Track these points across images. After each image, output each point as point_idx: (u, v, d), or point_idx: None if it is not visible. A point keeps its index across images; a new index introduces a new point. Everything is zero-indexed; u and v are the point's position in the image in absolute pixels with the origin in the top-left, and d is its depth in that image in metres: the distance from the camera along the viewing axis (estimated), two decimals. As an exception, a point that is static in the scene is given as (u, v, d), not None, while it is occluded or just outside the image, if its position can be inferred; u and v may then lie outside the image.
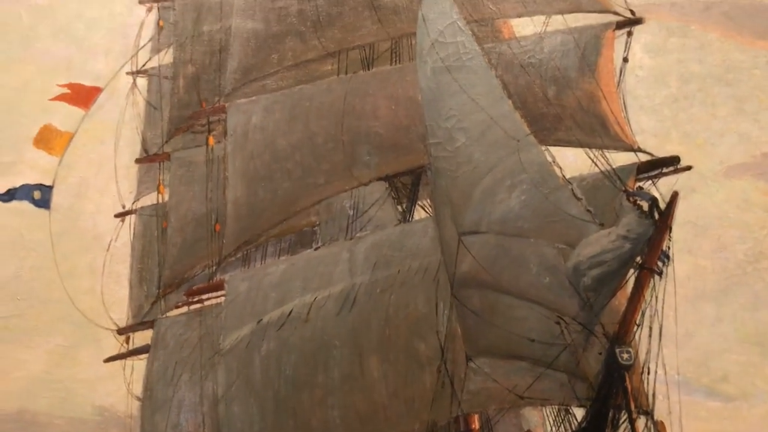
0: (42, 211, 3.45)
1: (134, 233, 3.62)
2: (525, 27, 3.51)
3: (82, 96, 3.54)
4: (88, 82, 3.56)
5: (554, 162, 2.94)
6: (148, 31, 3.67)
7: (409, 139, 3.37)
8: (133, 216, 3.62)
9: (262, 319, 3.28)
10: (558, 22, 3.45)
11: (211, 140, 3.53)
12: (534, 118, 3.16)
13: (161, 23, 3.71)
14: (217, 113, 3.50)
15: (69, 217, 3.45)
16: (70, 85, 3.55)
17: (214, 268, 3.49)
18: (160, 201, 3.68)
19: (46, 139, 3.50)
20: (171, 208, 3.66)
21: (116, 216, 3.54)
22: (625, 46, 3.34)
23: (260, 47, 3.51)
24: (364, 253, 3.26)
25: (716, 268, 2.99)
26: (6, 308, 3.42)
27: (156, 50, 3.73)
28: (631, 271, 2.66)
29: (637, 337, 2.66)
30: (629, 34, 3.38)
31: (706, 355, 3.01)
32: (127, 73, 3.62)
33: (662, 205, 2.67)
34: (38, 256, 3.42)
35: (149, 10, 3.67)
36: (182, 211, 3.65)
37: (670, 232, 2.65)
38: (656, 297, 2.65)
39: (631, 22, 3.39)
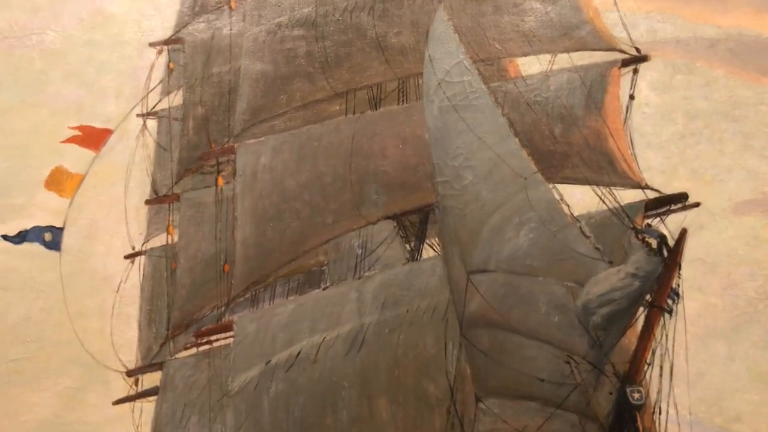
0: (52, 252, 3.53)
1: (144, 274, 3.69)
2: (531, 65, 3.59)
3: (92, 138, 3.64)
4: (98, 125, 3.66)
5: (562, 200, 2.99)
6: (159, 73, 3.78)
7: (417, 178, 3.44)
8: (143, 257, 3.69)
9: (270, 360, 3.33)
10: (564, 60, 3.54)
11: (221, 181, 3.63)
12: (541, 156, 3.23)
13: (171, 65, 3.82)
14: (227, 154, 3.59)
15: (79, 258, 3.53)
16: (81, 128, 3.66)
17: (223, 308, 3.56)
18: (170, 242, 3.75)
19: (57, 181, 3.59)
20: (180, 248, 3.73)
21: (126, 257, 3.60)
22: (631, 84, 3.42)
23: (269, 88, 3.62)
24: (373, 293, 3.31)
25: (727, 305, 3.02)
26: (16, 351, 3.49)
27: (166, 92, 3.84)
28: (641, 309, 2.70)
29: (648, 376, 2.68)
30: (635, 71, 3.46)
31: (718, 394, 3.02)
32: (138, 115, 3.71)
33: (671, 243, 2.71)
34: (48, 297, 3.49)
35: (159, 52, 3.77)
36: (191, 251, 3.73)
37: (680, 269, 2.69)
38: (666, 335, 2.69)
39: (637, 59, 3.48)
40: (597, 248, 2.85)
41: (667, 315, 2.68)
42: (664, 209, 3.02)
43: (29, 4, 3.70)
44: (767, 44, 3.44)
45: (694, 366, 2.87)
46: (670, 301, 2.67)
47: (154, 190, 3.71)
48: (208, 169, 3.71)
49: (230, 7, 3.79)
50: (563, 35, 3.55)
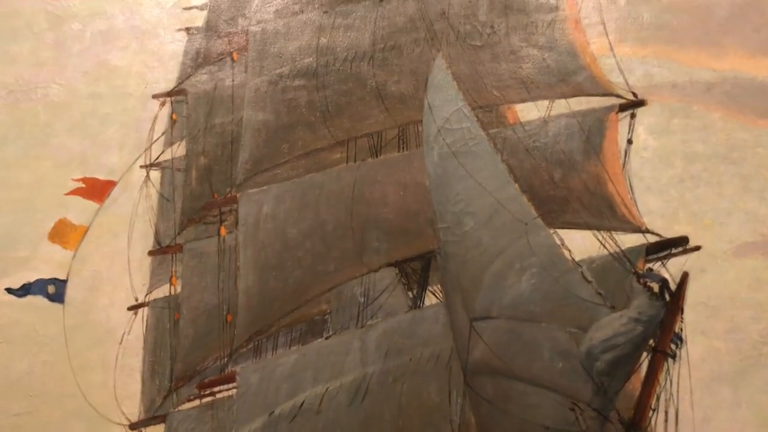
0: (56, 305, 3.58)
1: (147, 326, 3.72)
2: (529, 111, 3.68)
3: (96, 190, 3.72)
4: (102, 176, 3.74)
5: (563, 244, 3.05)
6: (162, 124, 3.86)
7: (418, 225, 3.51)
8: (146, 308, 3.73)
9: (273, 412, 3.35)
10: (561, 106, 3.62)
11: (223, 230, 3.70)
12: (541, 201, 3.30)
13: (174, 116, 3.92)
14: (229, 203, 3.68)
15: (82, 310, 3.58)
16: (84, 180, 3.74)
17: (226, 359, 3.59)
18: (173, 293, 3.80)
19: (60, 233, 3.67)
20: (183, 299, 3.78)
21: (129, 309, 3.65)
22: (629, 128, 3.50)
23: (271, 138, 3.72)
24: (376, 342, 3.35)
25: (731, 349, 3.04)
26: (19, 405, 3.51)
27: (169, 143, 3.93)
28: (645, 354, 2.73)
29: (653, 422, 2.70)
30: (632, 116, 3.54)
31: (725, 440, 3.03)
32: (141, 167, 3.79)
33: (673, 287, 2.76)
34: (51, 351, 3.53)
35: (162, 104, 3.87)
36: (194, 302, 3.78)
37: (682, 313, 2.74)
38: (671, 381, 2.71)
39: (634, 104, 3.57)
40: (599, 293, 2.90)
41: (670, 360, 2.71)
42: (665, 253, 3.07)
43: (34, 59, 3.82)
44: (763, 87, 3.53)
45: (699, 411, 2.88)
46: (673, 346, 2.71)
47: (157, 241, 3.77)
48: (210, 219, 3.78)
49: (232, 59, 3.90)
50: (561, 81, 3.65)
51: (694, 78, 3.57)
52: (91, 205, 3.71)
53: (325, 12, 3.77)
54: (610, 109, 3.58)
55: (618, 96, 3.59)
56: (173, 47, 3.87)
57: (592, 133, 3.56)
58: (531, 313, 2.98)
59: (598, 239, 3.14)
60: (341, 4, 3.79)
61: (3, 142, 3.75)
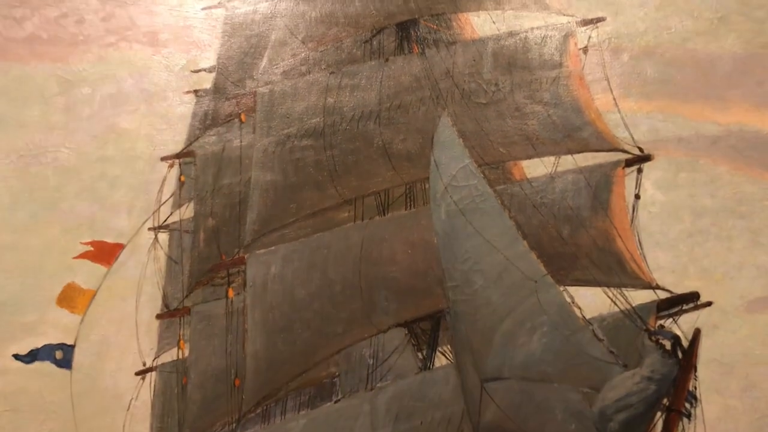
0: (63, 371, 3.60)
1: (154, 391, 3.72)
2: (536, 168, 3.74)
3: (104, 253, 3.78)
4: (110, 239, 3.79)
5: (573, 302, 3.08)
6: (170, 186, 3.92)
7: (427, 283, 3.54)
8: (154, 373, 3.75)
9: (283, 478, 3.35)
10: (568, 161, 3.69)
11: (231, 292, 3.74)
12: (550, 258, 3.34)
13: (182, 178, 3.99)
14: (237, 265, 3.72)
15: (90, 376, 3.59)
16: (93, 243, 3.80)
17: (234, 425, 3.59)
18: (181, 357, 3.81)
19: (69, 297, 3.71)
20: (191, 363, 3.80)
21: (137, 374, 3.66)
22: (636, 183, 3.57)
23: (279, 198, 3.79)
24: (385, 405, 3.35)
25: (746, 408, 3.03)
26: (26, 475, 3.52)
27: (177, 205, 3.99)
28: (659, 413, 2.73)
29: (670, 484, 2.69)
30: (639, 170, 3.61)
31: (743, 501, 2.99)
32: (149, 229, 3.85)
33: (685, 344, 2.77)
34: (58, 418, 3.54)
35: (171, 166, 3.94)
36: (202, 366, 3.79)
37: (696, 371, 2.75)
38: (687, 441, 2.71)
39: (641, 159, 3.64)
40: (611, 351, 2.91)
41: (685, 419, 2.71)
42: (677, 309, 3.09)
43: (45, 123, 3.91)
44: (769, 139, 3.60)
45: (717, 472, 2.87)
46: (688, 405, 2.71)
47: (165, 304, 3.80)
48: (219, 280, 3.83)
49: (240, 120, 3.99)
50: (566, 137, 3.73)
51: (699, 132, 3.64)
52: (99, 268, 3.76)
53: (332, 72, 3.87)
54: (616, 164, 3.65)
55: (624, 151, 3.66)
56: (182, 109, 3.94)
57: (600, 188, 3.62)
58: (543, 373, 2.99)
59: (609, 296, 3.17)
60: (348, 64, 3.89)
61: (13, 207, 3.81)
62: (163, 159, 3.93)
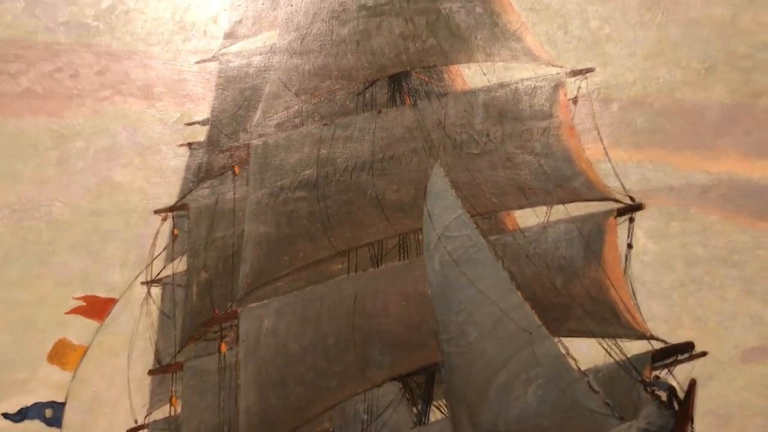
0: (53, 430, 3.57)
1: (147, 450, 3.71)
2: (528, 217, 3.79)
3: (97, 308, 3.78)
4: (103, 294, 3.80)
5: (568, 354, 3.09)
6: (163, 240, 3.94)
7: (421, 335, 3.55)
8: (146, 431, 3.71)
9: None
10: (560, 211, 3.74)
11: (224, 347, 3.74)
12: (544, 309, 3.36)
13: (176, 232, 4.01)
14: (230, 319, 3.73)
15: (80, 435, 3.56)
16: (85, 298, 3.80)
17: (228, 482, 3.56)
18: (173, 413, 3.78)
19: (60, 354, 3.70)
20: (183, 420, 3.76)
21: (128, 432, 3.65)
22: (628, 233, 3.61)
23: (272, 250, 3.81)
24: (381, 461, 3.34)
25: (744, 460, 3.03)
26: None
27: (170, 258, 4.01)
28: (657, 467, 2.73)
29: None
30: (631, 220, 3.65)
31: None
32: (142, 283, 3.86)
33: (681, 395, 2.78)
34: (48, 478, 3.51)
35: (164, 219, 3.96)
36: (195, 423, 3.76)
37: (692, 423, 2.75)
38: (686, 495, 2.70)
39: (632, 208, 3.69)
40: (607, 403, 2.92)
41: (684, 473, 2.71)
42: (672, 360, 3.11)
43: (38, 177, 3.93)
44: (758, 188, 3.65)
45: None
46: (685, 458, 2.71)
47: (158, 360, 3.79)
48: (211, 335, 3.83)
49: (234, 172, 4.02)
50: (558, 187, 3.78)
51: (689, 181, 3.69)
52: (91, 323, 3.76)
53: (326, 124, 3.92)
54: (608, 213, 3.69)
55: (616, 200, 3.71)
56: (175, 162, 3.97)
57: (592, 238, 3.67)
58: (539, 427, 2.99)
59: (603, 347, 3.19)
60: (341, 116, 3.95)
61: (5, 262, 3.82)
62: (157, 212, 3.95)
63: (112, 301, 3.80)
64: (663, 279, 3.48)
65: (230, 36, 3.99)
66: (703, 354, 3.13)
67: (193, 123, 4.02)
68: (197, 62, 3.98)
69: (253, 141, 3.97)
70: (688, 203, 3.67)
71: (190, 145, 4.02)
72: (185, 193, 4.01)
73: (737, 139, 3.75)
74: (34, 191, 3.92)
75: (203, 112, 4.00)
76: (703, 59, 3.78)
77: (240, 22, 3.98)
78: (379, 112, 3.94)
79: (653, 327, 3.31)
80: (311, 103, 3.96)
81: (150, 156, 3.96)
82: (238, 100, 4.01)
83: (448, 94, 3.94)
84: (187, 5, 3.92)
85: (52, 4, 3.88)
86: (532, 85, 3.86)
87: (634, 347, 3.19)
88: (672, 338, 3.21)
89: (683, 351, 3.11)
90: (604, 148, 3.77)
